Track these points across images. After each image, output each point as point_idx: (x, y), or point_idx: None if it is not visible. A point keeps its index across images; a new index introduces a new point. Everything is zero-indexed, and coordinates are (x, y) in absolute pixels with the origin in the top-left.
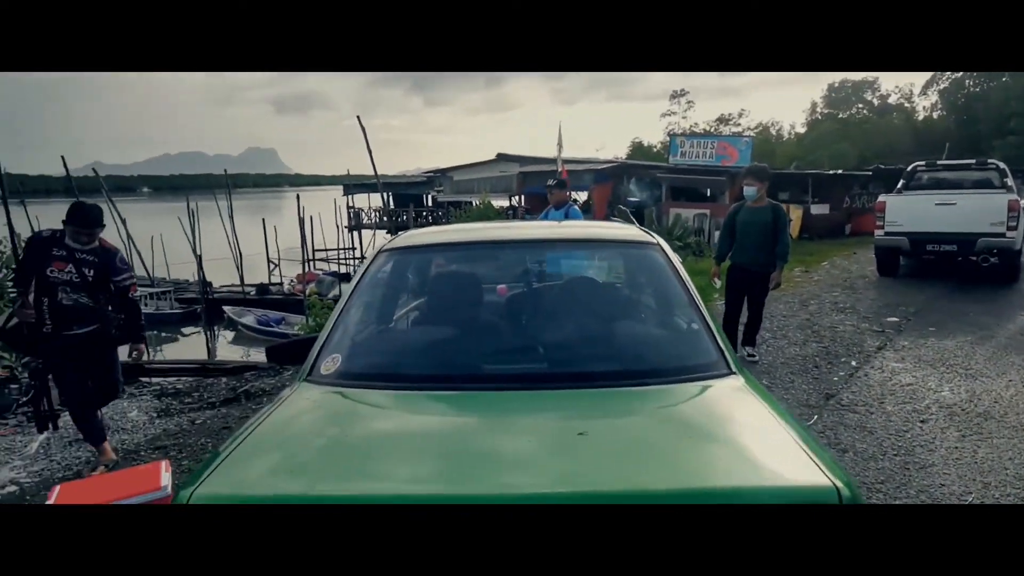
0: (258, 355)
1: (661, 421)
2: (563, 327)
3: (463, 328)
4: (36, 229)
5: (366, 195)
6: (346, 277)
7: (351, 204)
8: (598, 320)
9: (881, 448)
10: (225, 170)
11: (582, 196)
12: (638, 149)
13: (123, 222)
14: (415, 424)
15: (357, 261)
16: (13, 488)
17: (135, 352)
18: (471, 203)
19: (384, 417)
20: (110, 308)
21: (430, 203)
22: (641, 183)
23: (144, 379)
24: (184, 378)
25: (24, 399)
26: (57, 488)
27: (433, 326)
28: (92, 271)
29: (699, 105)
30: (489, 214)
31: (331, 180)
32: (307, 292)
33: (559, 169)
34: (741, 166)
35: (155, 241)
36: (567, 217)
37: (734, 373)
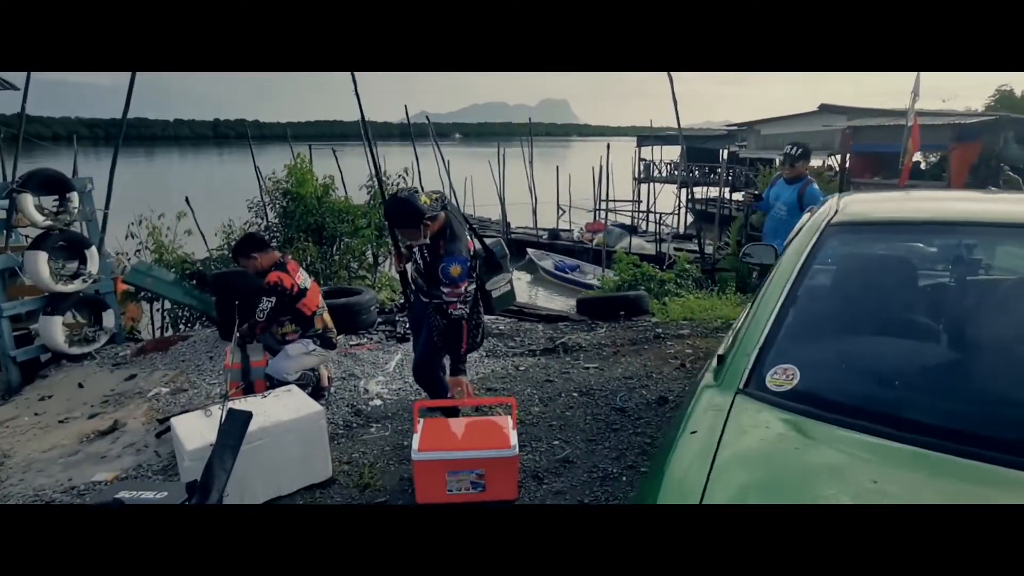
0: (558, 301)
1: None
2: None
3: (997, 360)
4: (381, 168)
5: (659, 147)
6: (633, 229)
7: (643, 156)
8: None
9: None
10: (530, 119)
11: (931, 158)
12: (1005, 100)
13: (447, 164)
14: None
15: (642, 214)
16: (378, 403)
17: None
18: (770, 161)
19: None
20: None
21: (725, 158)
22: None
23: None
24: (504, 318)
25: (381, 320)
26: (422, 421)
27: (942, 348)
28: (423, 263)
29: None
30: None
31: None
32: (595, 241)
33: (909, 124)
34: None
35: (466, 182)
36: (803, 199)
37: None
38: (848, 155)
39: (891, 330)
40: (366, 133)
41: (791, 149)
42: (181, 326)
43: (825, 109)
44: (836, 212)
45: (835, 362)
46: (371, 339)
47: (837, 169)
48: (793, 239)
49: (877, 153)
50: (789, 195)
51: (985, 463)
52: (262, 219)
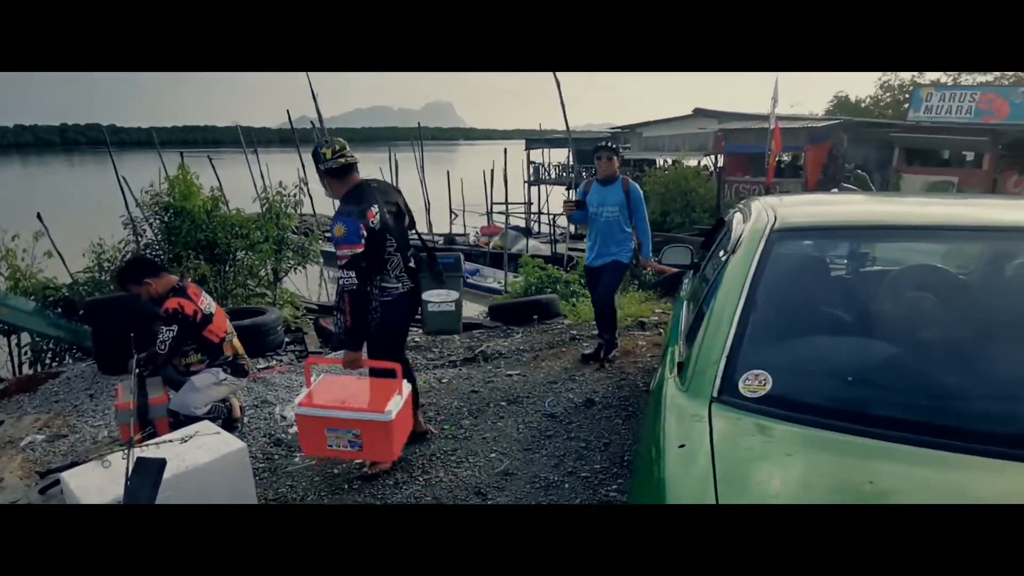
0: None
1: None
2: None
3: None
4: (265, 174)
5: (547, 150)
6: (528, 231)
7: (532, 159)
8: None
9: None
10: (419, 123)
11: (786, 158)
12: (843, 105)
13: None
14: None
15: (534, 216)
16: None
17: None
18: (652, 161)
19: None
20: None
21: None
22: (860, 144)
23: None
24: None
25: (288, 340)
26: (320, 376)
27: (900, 345)
28: None
29: None
30: (688, 176)
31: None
32: (491, 245)
33: (771, 126)
34: (1014, 123)
35: None
36: (629, 197)
37: None
38: (722, 156)
39: (849, 329)
40: (325, 128)
41: (607, 144)
42: (48, 361)
43: (699, 113)
44: (775, 219)
45: (803, 365)
46: (280, 361)
47: (712, 169)
48: (733, 246)
49: (747, 153)
50: (615, 195)
51: (988, 457)
52: (139, 236)
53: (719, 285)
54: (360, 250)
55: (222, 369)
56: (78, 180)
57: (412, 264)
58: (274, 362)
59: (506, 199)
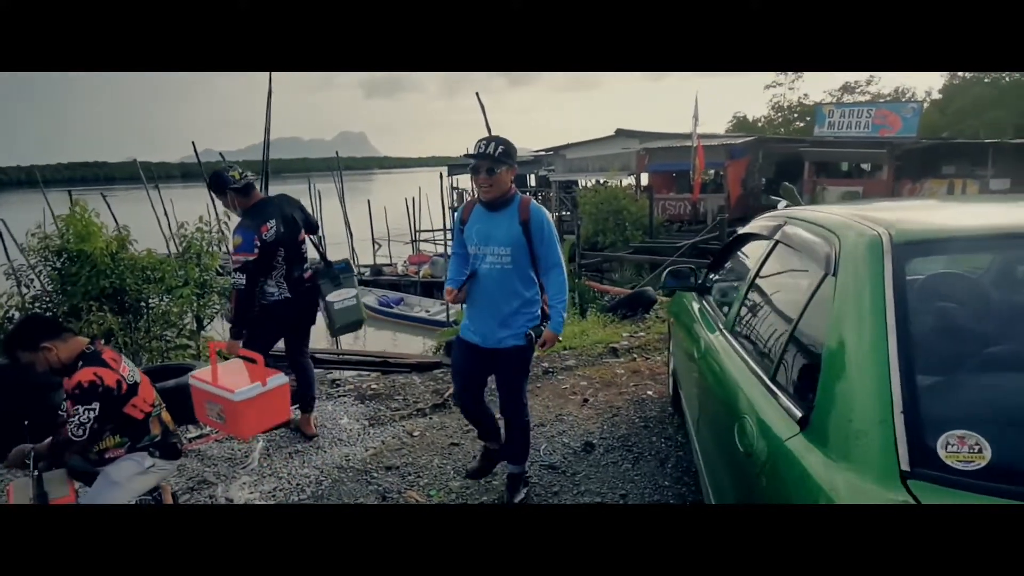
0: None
1: None
2: None
3: None
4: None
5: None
6: None
7: (455, 185)
8: None
9: None
10: (337, 152)
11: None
12: (741, 124)
13: None
14: None
15: None
16: None
17: None
18: (576, 183)
19: None
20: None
21: (533, 183)
22: (771, 159)
23: (319, 370)
24: (364, 372)
25: None
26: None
27: None
28: None
29: (808, 75)
30: (618, 195)
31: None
32: (421, 274)
33: (694, 144)
34: (906, 136)
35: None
36: (529, 229)
37: None
38: (646, 174)
39: None
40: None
41: (488, 147)
42: None
43: (621, 133)
44: (889, 231)
45: (1018, 418)
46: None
47: (636, 187)
48: (832, 267)
49: (671, 171)
50: (508, 227)
51: None
52: (26, 287)
53: (829, 315)
54: (253, 258)
55: (148, 453)
56: None
57: (303, 275)
58: (207, 429)
59: (432, 226)
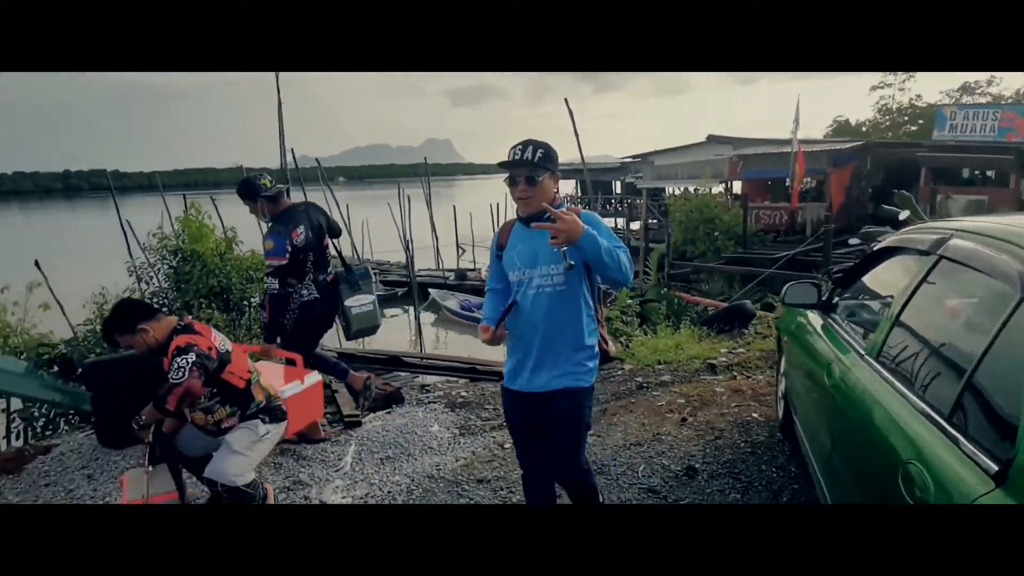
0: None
1: None
2: None
3: None
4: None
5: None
6: None
7: None
8: None
9: None
10: (425, 158)
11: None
12: (843, 129)
13: (347, 209)
14: None
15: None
16: None
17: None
18: (663, 190)
19: None
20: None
21: (619, 190)
22: (880, 166)
23: (402, 372)
24: (452, 379)
25: None
26: None
27: None
28: None
29: (920, 76)
30: (710, 203)
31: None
32: None
33: (794, 150)
34: None
35: (363, 227)
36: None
37: None
38: (740, 182)
39: None
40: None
41: (527, 152)
42: (39, 429)
43: (713, 139)
44: None
45: None
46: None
47: (727, 195)
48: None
49: (766, 178)
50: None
51: None
52: (147, 284)
53: None
54: (284, 262)
55: (260, 420)
56: (80, 226)
57: (326, 278)
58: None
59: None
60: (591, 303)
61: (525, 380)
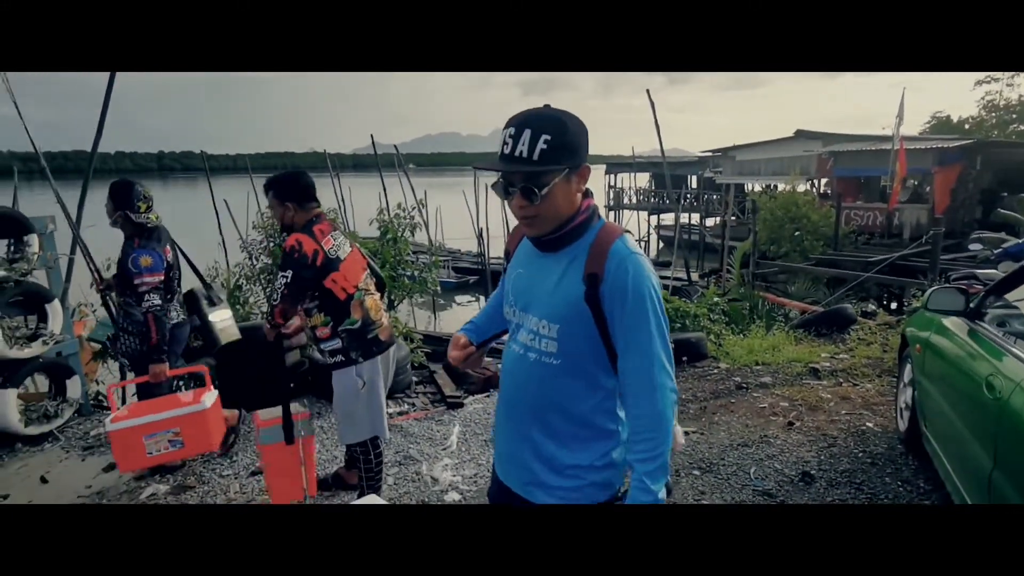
0: None
1: None
2: None
3: None
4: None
5: (630, 174)
6: None
7: (612, 183)
8: None
9: None
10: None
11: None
12: (942, 125)
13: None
14: None
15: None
16: (456, 497)
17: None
18: (743, 186)
19: None
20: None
21: (695, 185)
22: (990, 167)
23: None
24: None
25: (417, 379)
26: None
27: None
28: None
29: None
30: (798, 201)
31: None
32: None
33: (895, 147)
34: None
35: (437, 213)
36: (600, 296)
37: None
38: (830, 180)
39: None
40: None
41: (518, 142)
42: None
43: (801, 135)
44: None
45: None
46: (413, 406)
47: (816, 193)
48: None
49: (859, 177)
50: (560, 285)
51: None
52: (256, 260)
53: None
54: (162, 278)
55: (354, 365)
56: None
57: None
58: (406, 406)
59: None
60: (604, 384)
61: (503, 471)
